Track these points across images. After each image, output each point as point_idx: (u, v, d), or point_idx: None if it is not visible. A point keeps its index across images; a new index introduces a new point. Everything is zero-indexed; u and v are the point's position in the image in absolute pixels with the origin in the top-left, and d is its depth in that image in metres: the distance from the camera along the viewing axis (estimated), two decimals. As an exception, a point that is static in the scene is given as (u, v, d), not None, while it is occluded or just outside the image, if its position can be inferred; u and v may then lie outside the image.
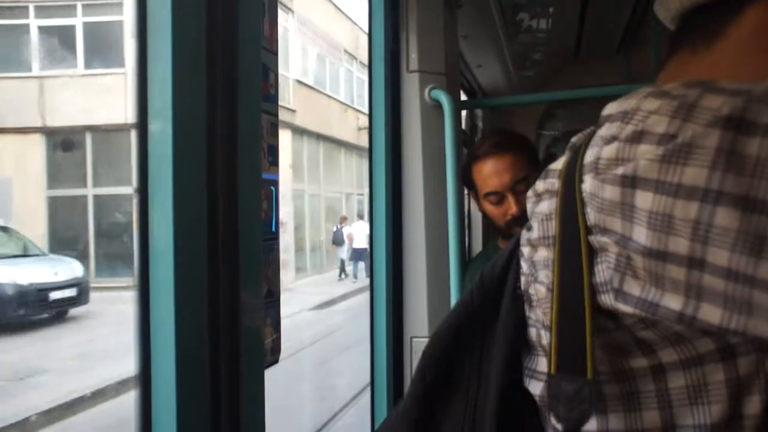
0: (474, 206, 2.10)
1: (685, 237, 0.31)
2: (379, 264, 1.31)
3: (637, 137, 0.34)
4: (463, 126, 2.75)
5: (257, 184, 0.76)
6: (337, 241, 13.68)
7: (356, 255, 13.37)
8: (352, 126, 16.89)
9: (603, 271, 0.37)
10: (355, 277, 13.25)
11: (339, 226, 13.88)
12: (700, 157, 0.30)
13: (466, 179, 1.37)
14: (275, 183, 0.85)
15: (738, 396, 0.35)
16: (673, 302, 0.33)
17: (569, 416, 0.37)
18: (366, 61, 1.42)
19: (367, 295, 1.33)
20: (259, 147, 0.78)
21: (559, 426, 0.39)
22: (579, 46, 2.46)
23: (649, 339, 0.36)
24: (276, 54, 0.85)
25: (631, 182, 0.33)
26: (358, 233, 13.21)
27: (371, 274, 1.31)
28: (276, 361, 0.82)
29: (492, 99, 2.55)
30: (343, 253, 13.65)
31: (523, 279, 0.45)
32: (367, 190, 1.37)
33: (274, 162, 0.85)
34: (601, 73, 2.59)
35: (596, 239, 0.37)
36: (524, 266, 0.45)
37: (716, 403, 0.36)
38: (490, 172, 1.29)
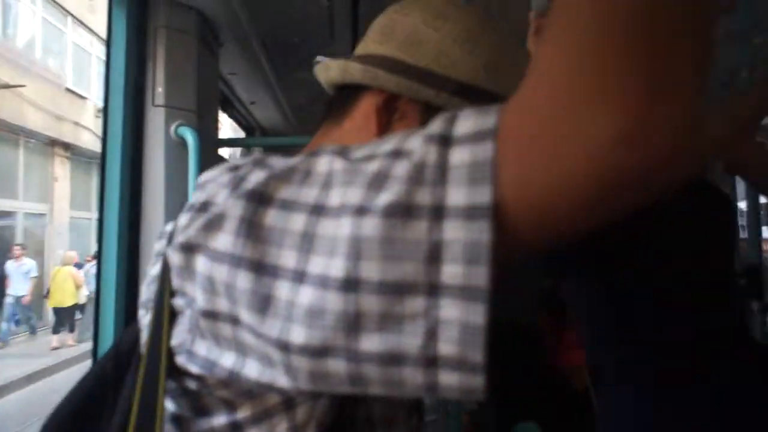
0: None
1: (223, 297, 0.34)
2: (107, 313, 1.18)
3: (202, 207, 0.37)
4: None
5: None
6: None
7: None
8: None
9: (180, 333, 0.38)
10: None
11: None
12: (229, 225, 0.34)
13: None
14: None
15: None
16: (227, 360, 0.36)
17: None
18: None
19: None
20: None
21: None
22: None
23: (228, 398, 0.38)
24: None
25: (189, 248, 0.36)
26: None
27: (96, 320, 1.17)
28: None
29: (245, 139, 2.57)
30: None
31: (141, 342, 0.45)
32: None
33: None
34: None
35: (177, 302, 0.38)
36: (140, 329, 0.45)
37: None
38: None
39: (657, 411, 0.95)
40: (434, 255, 0.28)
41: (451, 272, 0.28)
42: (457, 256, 0.28)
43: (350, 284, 0.29)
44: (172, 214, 1.29)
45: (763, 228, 2.05)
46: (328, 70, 0.57)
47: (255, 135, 2.81)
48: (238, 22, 1.52)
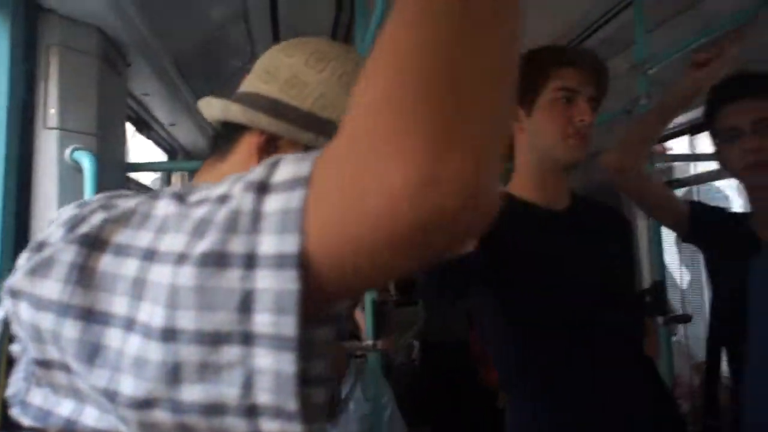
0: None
1: (51, 345, 0.33)
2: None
3: (38, 247, 0.35)
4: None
5: None
6: None
7: None
8: None
9: (16, 382, 0.36)
10: None
11: None
12: (58, 271, 0.32)
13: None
14: None
15: None
16: (64, 408, 0.34)
17: None
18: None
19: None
20: None
21: None
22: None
23: None
24: None
25: (13, 294, 0.34)
26: None
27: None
28: None
29: (158, 163, 2.43)
30: None
31: None
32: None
33: None
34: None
35: (14, 348, 0.37)
36: None
37: None
38: None
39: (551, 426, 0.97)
40: (246, 304, 0.28)
41: (262, 321, 0.28)
42: (267, 305, 0.27)
43: (169, 334, 0.29)
44: (64, 245, 1.20)
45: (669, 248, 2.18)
46: (210, 107, 0.58)
47: (177, 158, 2.70)
48: (146, 42, 1.46)
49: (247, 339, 0.28)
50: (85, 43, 1.26)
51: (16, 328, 0.35)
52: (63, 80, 1.23)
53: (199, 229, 0.30)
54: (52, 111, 1.21)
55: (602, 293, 1.02)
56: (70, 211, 0.37)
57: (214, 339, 0.28)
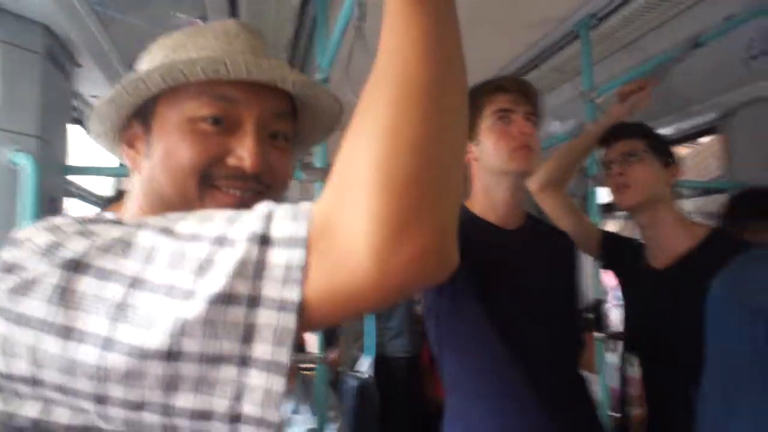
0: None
1: (24, 359, 0.35)
2: None
3: (9, 269, 0.37)
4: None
5: None
6: None
7: None
8: None
9: None
10: None
11: None
12: (41, 291, 0.35)
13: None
14: None
15: None
16: (30, 410, 0.37)
17: None
18: None
19: None
20: None
21: None
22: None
23: None
24: None
25: None
26: None
27: None
28: None
29: (101, 168, 2.36)
30: None
31: None
32: None
33: None
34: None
35: None
36: None
37: None
38: None
39: None
40: (248, 335, 0.34)
41: (261, 349, 0.34)
42: (267, 337, 0.34)
43: (172, 355, 0.33)
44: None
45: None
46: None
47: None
48: (97, 43, 1.43)
49: (245, 362, 0.34)
50: (31, 41, 1.23)
51: None
52: (6, 78, 1.18)
53: (202, 269, 0.35)
54: (-8, 109, 1.17)
55: (541, 308, 1.07)
56: (43, 236, 0.38)
57: (215, 360, 0.34)
